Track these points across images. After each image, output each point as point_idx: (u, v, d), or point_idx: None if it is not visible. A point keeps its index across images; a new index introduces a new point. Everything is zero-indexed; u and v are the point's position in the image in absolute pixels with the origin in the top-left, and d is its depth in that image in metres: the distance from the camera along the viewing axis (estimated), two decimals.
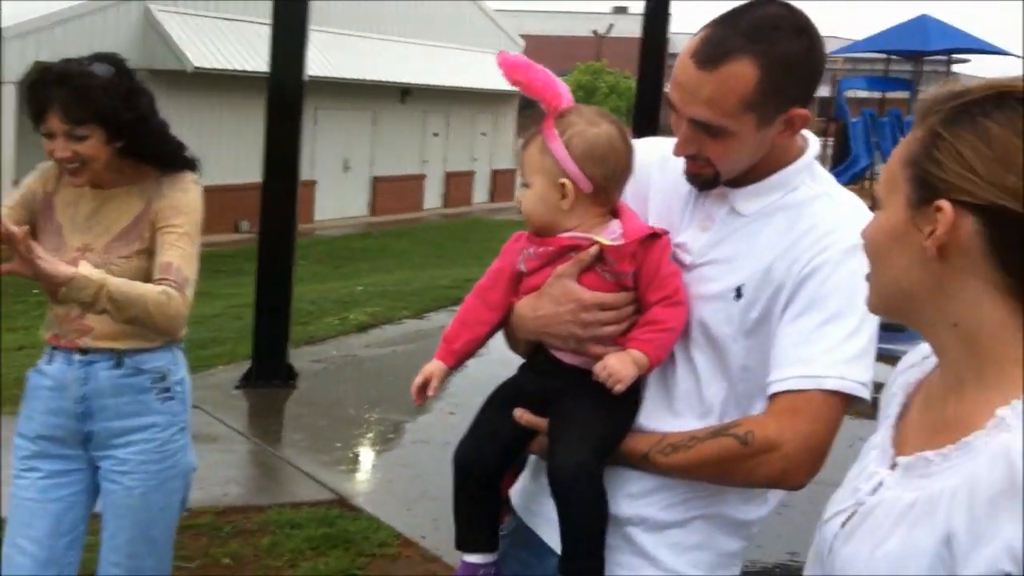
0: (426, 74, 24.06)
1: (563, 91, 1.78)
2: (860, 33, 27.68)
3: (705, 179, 1.74)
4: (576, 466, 1.71)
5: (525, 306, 1.81)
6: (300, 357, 7.76)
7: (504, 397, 1.86)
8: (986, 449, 1.05)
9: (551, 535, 1.80)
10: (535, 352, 1.86)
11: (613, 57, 41.90)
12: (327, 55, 20.72)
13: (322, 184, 21.70)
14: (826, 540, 1.25)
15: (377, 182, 23.94)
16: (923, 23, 22.60)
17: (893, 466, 1.20)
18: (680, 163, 1.82)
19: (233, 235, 17.78)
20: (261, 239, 7.33)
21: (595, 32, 44.31)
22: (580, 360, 1.78)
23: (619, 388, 1.70)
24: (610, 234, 1.77)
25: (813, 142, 1.81)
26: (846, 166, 22.64)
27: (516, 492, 1.97)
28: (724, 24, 1.63)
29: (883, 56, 25.40)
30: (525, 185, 1.80)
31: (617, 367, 1.70)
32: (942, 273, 1.12)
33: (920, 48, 22.83)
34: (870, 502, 1.19)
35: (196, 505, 4.89)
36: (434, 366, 1.87)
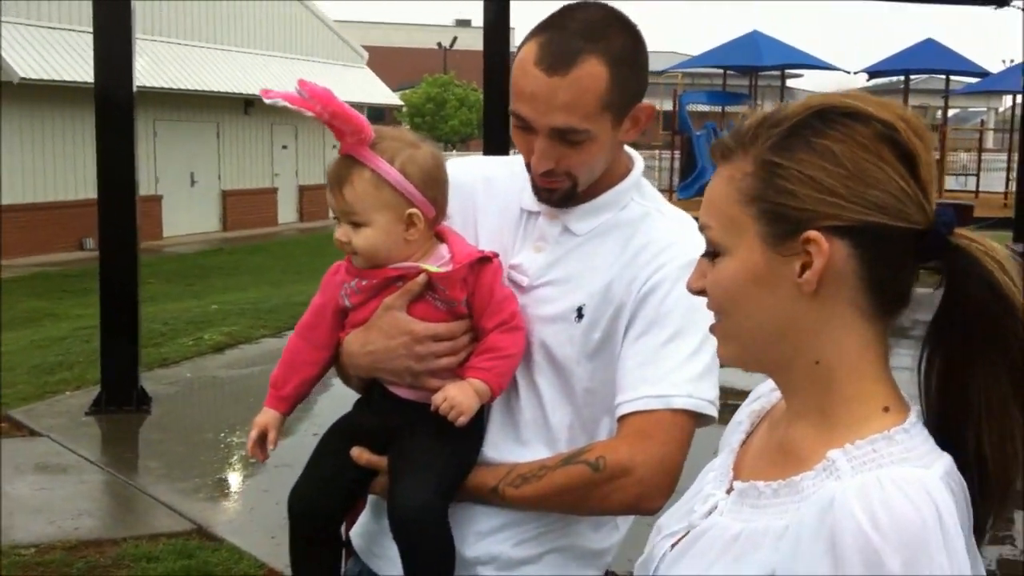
0: (270, 85, 23.48)
1: (363, 118, 1.68)
2: (696, 49, 28.58)
3: (562, 193, 1.69)
4: (419, 507, 1.63)
5: (354, 342, 1.72)
6: (154, 380, 7.54)
7: (340, 435, 1.76)
8: (813, 497, 1.02)
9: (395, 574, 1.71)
10: (370, 387, 1.76)
11: (459, 70, 42.06)
12: (162, 66, 20.17)
13: (168, 199, 21.09)
14: (654, 558, 1.22)
15: (227, 196, 23.42)
16: (754, 40, 23.56)
17: (729, 490, 1.17)
18: (508, 183, 1.79)
19: (78, 253, 17.12)
20: (102, 258, 7.10)
21: (440, 44, 44.47)
22: (417, 395, 1.70)
23: (462, 420, 1.63)
24: (438, 260, 1.70)
25: (638, 160, 1.79)
26: (694, 178, 23.33)
27: (357, 533, 1.88)
28: (556, 29, 1.60)
29: (720, 71, 26.34)
30: (355, 224, 1.68)
31: (458, 398, 1.63)
32: (811, 308, 1.07)
33: (754, 63, 23.77)
34: (702, 525, 1.16)
35: (45, 540, 4.74)
36: (267, 416, 1.76)
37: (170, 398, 7.41)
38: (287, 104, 1.64)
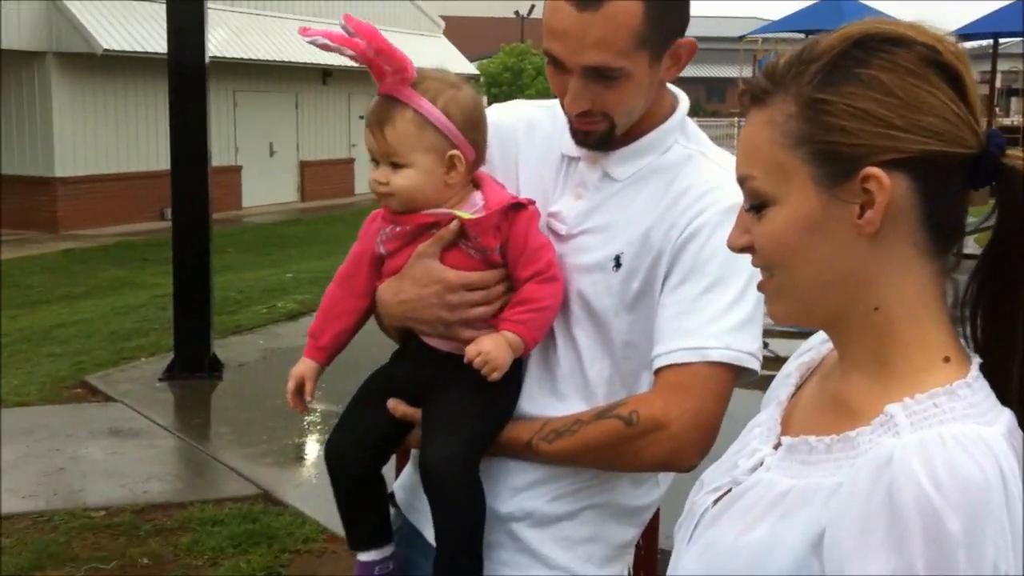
0: (347, 56, 23.78)
1: (405, 56, 1.63)
2: (777, 13, 28.00)
3: (600, 136, 1.61)
4: (447, 460, 1.60)
5: (387, 290, 1.69)
6: (226, 348, 7.67)
7: (377, 387, 1.74)
8: (869, 453, 0.96)
9: (433, 532, 1.68)
10: (406, 339, 1.73)
11: (536, 38, 41.64)
12: (242, 36, 20.37)
13: (248, 169, 21.36)
14: (694, 516, 1.18)
15: (305, 167, 23.65)
16: (837, 2, 22.94)
17: (777, 446, 1.12)
18: (549, 128, 1.73)
19: (159, 223, 17.40)
20: (175, 228, 7.20)
21: (517, 13, 44.20)
22: (451, 346, 1.66)
23: (495, 376, 1.59)
24: (471, 207, 1.65)
25: (683, 100, 1.71)
26: None
27: (400, 486, 1.86)
28: None
29: (802, 36, 25.75)
30: (395, 165, 1.63)
31: (491, 351, 1.58)
32: (870, 251, 1.01)
33: (836, 26, 23.16)
34: (746, 482, 1.11)
35: (114, 504, 4.83)
36: (304, 367, 1.74)
37: (242, 365, 7.51)
38: (327, 42, 1.59)
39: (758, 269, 1.53)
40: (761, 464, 1.11)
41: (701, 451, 1.57)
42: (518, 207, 1.64)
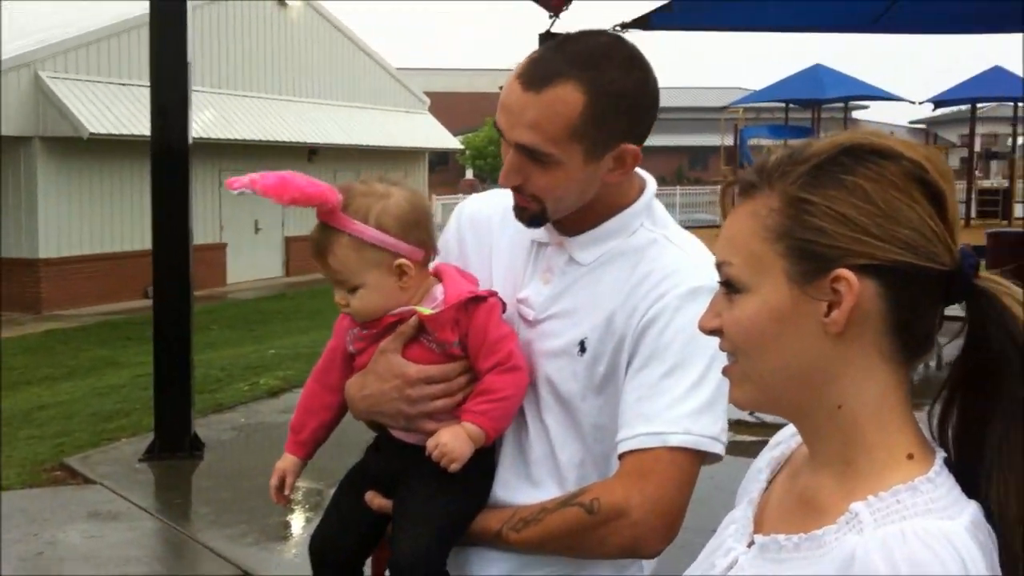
0: (333, 133, 24.03)
1: (324, 184, 1.65)
2: (759, 84, 28.47)
3: (532, 215, 1.63)
4: (414, 555, 1.60)
5: (353, 385, 1.72)
6: (208, 426, 7.60)
7: (356, 479, 1.76)
8: (834, 551, 0.98)
9: None
10: (379, 431, 1.77)
11: None
12: (228, 117, 20.58)
13: (233, 246, 21.41)
14: None
15: (290, 242, 23.71)
16: (817, 72, 23.36)
17: (750, 544, 1.13)
18: None
19: (142, 301, 17.40)
20: (156, 307, 7.21)
21: (500, 88, 44.80)
22: (416, 438, 1.68)
23: (454, 467, 1.60)
24: (432, 301, 1.68)
25: (650, 184, 1.72)
26: None
27: None
28: (553, 48, 1.55)
29: (782, 105, 26.16)
30: (351, 291, 1.66)
31: (448, 443, 1.60)
32: (835, 350, 1.03)
33: (816, 96, 23.56)
34: None
35: None
36: (286, 463, 1.79)
37: (223, 444, 7.44)
38: (253, 192, 1.60)
39: (720, 352, 1.54)
40: (736, 563, 1.12)
41: (664, 538, 1.56)
42: (477, 300, 1.65)
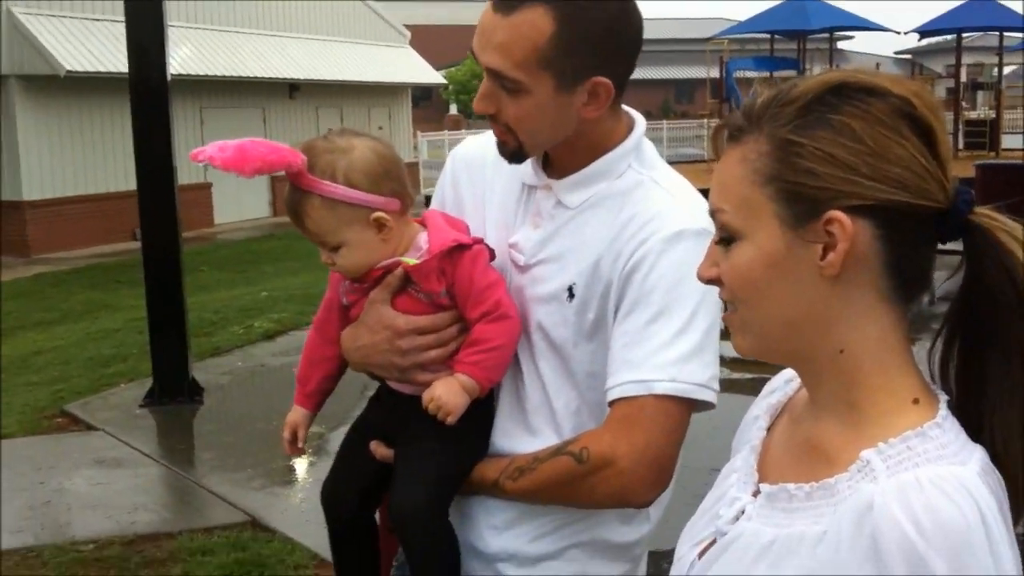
0: (314, 69, 23.76)
1: (286, 148, 1.62)
2: (744, 14, 28.21)
3: (511, 150, 1.61)
4: (412, 506, 1.61)
5: (347, 338, 1.72)
6: (205, 370, 7.64)
7: (361, 430, 1.77)
8: (850, 500, 0.98)
9: None
10: (380, 381, 1.77)
11: None
12: (207, 53, 20.30)
13: (218, 187, 21.26)
14: (681, 570, 1.17)
15: (276, 181, 23.46)
16: (802, 3, 23.14)
17: (755, 493, 1.12)
18: None
19: (131, 243, 17.31)
20: (145, 250, 7.13)
21: None
22: (412, 389, 1.67)
23: (450, 419, 1.60)
24: (416, 251, 1.67)
25: (639, 123, 1.68)
26: None
27: None
28: None
29: (767, 36, 25.95)
30: (333, 250, 1.65)
31: (444, 396, 1.60)
32: (832, 293, 1.02)
33: (801, 27, 23.39)
34: (731, 532, 1.11)
35: (103, 536, 4.81)
36: (297, 415, 1.80)
37: (222, 387, 7.50)
38: (216, 166, 1.58)
39: (708, 296, 1.50)
40: (743, 513, 1.12)
41: (653, 487, 1.55)
42: (461, 248, 1.64)
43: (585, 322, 1.61)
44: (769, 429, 1.21)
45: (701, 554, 1.16)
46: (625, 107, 1.69)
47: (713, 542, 1.14)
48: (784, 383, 1.24)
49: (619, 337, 1.56)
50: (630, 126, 1.67)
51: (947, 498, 0.92)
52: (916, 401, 1.03)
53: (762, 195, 1.03)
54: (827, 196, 1.00)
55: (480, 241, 1.67)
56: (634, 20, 1.56)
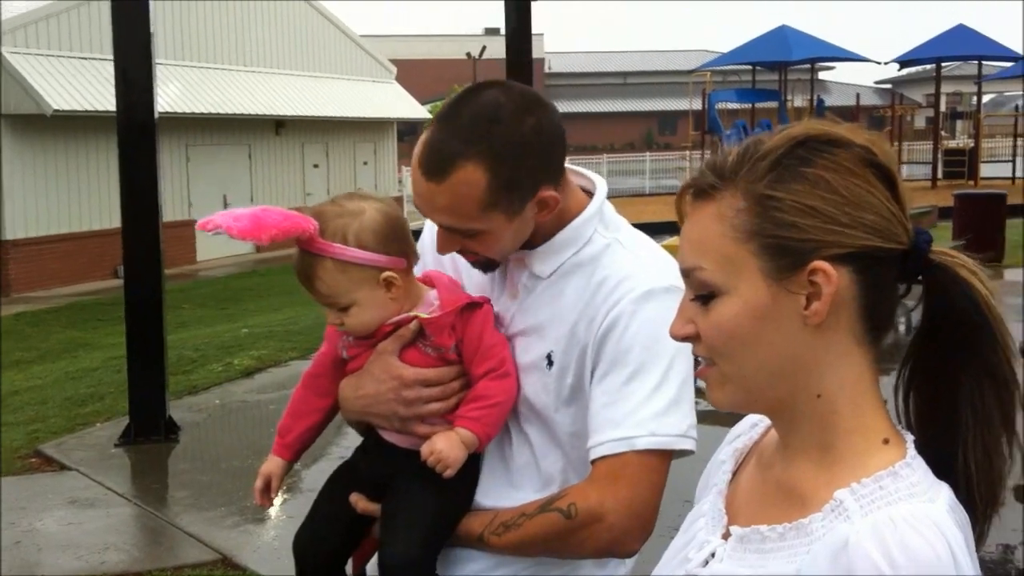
0: (300, 105, 23.90)
1: (297, 214, 1.66)
2: (725, 45, 28.46)
3: (484, 264, 1.70)
4: (406, 557, 1.66)
5: (348, 386, 1.76)
6: (183, 408, 7.60)
7: (341, 480, 1.80)
8: (825, 540, 1.00)
9: None
10: (368, 433, 1.80)
11: (489, 79, 41.90)
12: (193, 91, 20.39)
13: None
14: None
15: None
16: (783, 34, 23.44)
17: (725, 536, 1.14)
18: None
19: (113, 281, 17.32)
20: (127, 287, 7.13)
21: (468, 55, 44.55)
22: (408, 442, 1.72)
23: (448, 473, 1.64)
24: (427, 307, 1.72)
25: (600, 187, 1.75)
26: None
27: (373, 564, 1.85)
28: (443, 123, 1.57)
29: (749, 68, 26.18)
30: (343, 311, 1.69)
31: (443, 449, 1.64)
32: (814, 340, 1.05)
33: (783, 59, 23.62)
34: (702, 574, 1.13)
35: (72, 575, 4.75)
36: (272, 464, 1.82)
37: (198, 426, 7.46)
38: (232, 237, 1.62)
39: (680, 351, 1.57)
40: (713, 555, 1.13)
41: (639, 537, 1.63)
42: (473, 306, 1.70)
43: (564, 387, 1.67)
44: (735, 473, 1.23)
45: None
46: (581, 170, 1.76)
47: None
48: (749, 427, 1.26)
49: (598, 397, 1.63)
50: (590, 192, 1.74)
51: (919, 535, 0.95)
52: (886, 441, 1.06)
53: (744, 250, 1.05)
54: (809, 247, 1.03)
55: (488, 301, 1.73)
56: (552, 121, 1.61)
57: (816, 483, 1.06)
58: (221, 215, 1.61)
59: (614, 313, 1.63)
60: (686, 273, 1.10)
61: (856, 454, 1.05)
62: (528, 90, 1.61)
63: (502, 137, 1.55)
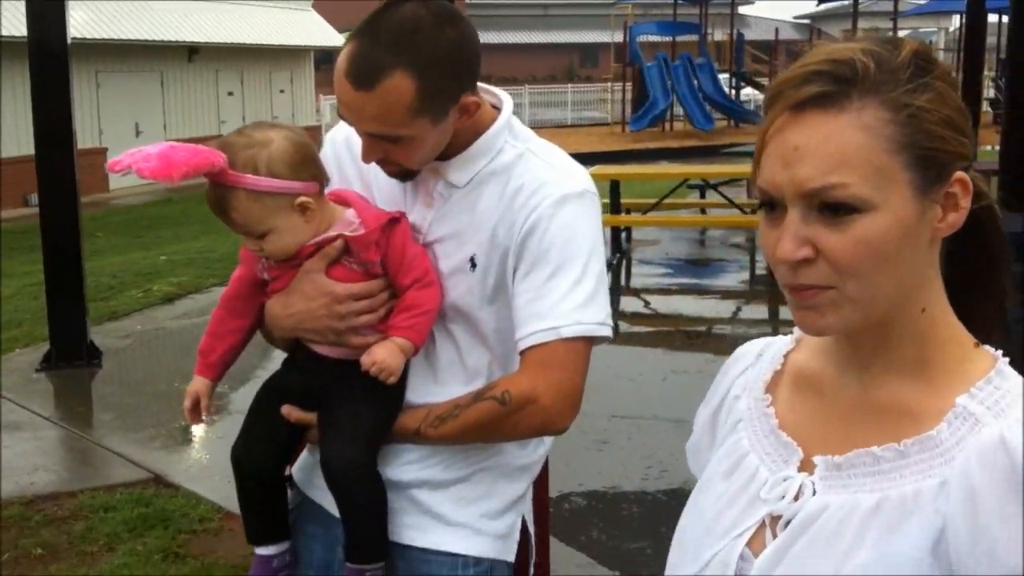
0: (213, 32, 23.31)
1: (206, 148, 1.66)
2: None
3: (401, 174, 1.78)
4: (348, 463, 1.76)
5: (276, 305, 1.82)
6: (103, 334, 7.53)
7: (272, 394, 1.87)
8: (969, 443, 0.99)
9: (333, 504, 1.84)
10: (295, 349, 1.87)
11: None
12: (103, 17, 19.76)
13: (114, 151, 20.51)
14: (729, 563, 1.10)
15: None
16: None
17: (801, 468, 1.10)
18: None
19: (23, 210, 16.86)
20: (43, 214, 7.04)
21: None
22: (341, 352, 1.80)
23: (391, 380, 1.74)
24: (348, 225, 1.78)
25: (506, 102, 1.86)
26: (646, 109, 23.30)
27: (297, 468, 2.01)
28: (365, 36, 1.63)
29: (670, 1, 26.20)
30: (260, 238, 1.73)
31: (385, 359, 1.73)
32: (929, 254, 1.04)
33: None
34: (807, 508, 1.06)
35: (3, 497, 4.74)
36: (198, 384, 1.88)
37: (121, 351, 7.41)
38: (137, 174, 1.63)
39: (596, 248, 1.61)
40: (802, 489, 1.08)
41: (570, 416, 1.76)
42: (394, 222, 1.78)
43: (487, 287, 1.79)
44: (770, 404, 1.18)
45: (749, 544, 1.11)
46: (488, 87, 1.84)
47: (762, 526, 1.10)
48: (755, 358, 1.25)
49: (522, 294, 1.75)
50: (497, 106, 1.84)
51: None
52: (977, 345, 1.08)
53: (896, 162, 1.00)
54: (950, 159, 1.02)
55: (404, 215, 1.80)
56: (470, 33, 1.69)
57: (924, 396, 1.05)
58: (130, 155, 1.62)
59: (534, 217, 1.74)
60: (816, 192, 1.00)
61: (957, 361, 1.06)
62: (444, 3, 1.67)
63: (426, 46, 1.62)
